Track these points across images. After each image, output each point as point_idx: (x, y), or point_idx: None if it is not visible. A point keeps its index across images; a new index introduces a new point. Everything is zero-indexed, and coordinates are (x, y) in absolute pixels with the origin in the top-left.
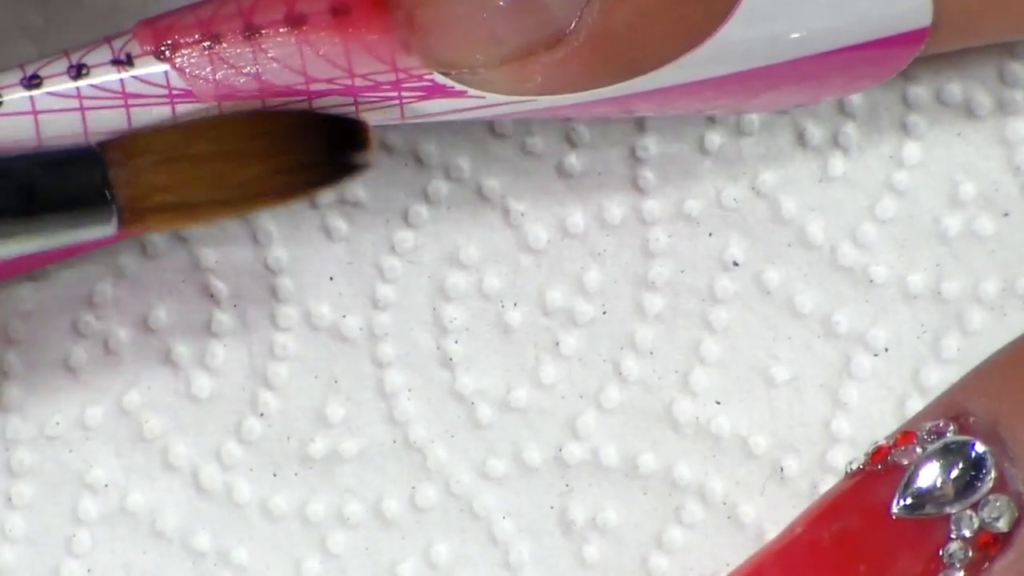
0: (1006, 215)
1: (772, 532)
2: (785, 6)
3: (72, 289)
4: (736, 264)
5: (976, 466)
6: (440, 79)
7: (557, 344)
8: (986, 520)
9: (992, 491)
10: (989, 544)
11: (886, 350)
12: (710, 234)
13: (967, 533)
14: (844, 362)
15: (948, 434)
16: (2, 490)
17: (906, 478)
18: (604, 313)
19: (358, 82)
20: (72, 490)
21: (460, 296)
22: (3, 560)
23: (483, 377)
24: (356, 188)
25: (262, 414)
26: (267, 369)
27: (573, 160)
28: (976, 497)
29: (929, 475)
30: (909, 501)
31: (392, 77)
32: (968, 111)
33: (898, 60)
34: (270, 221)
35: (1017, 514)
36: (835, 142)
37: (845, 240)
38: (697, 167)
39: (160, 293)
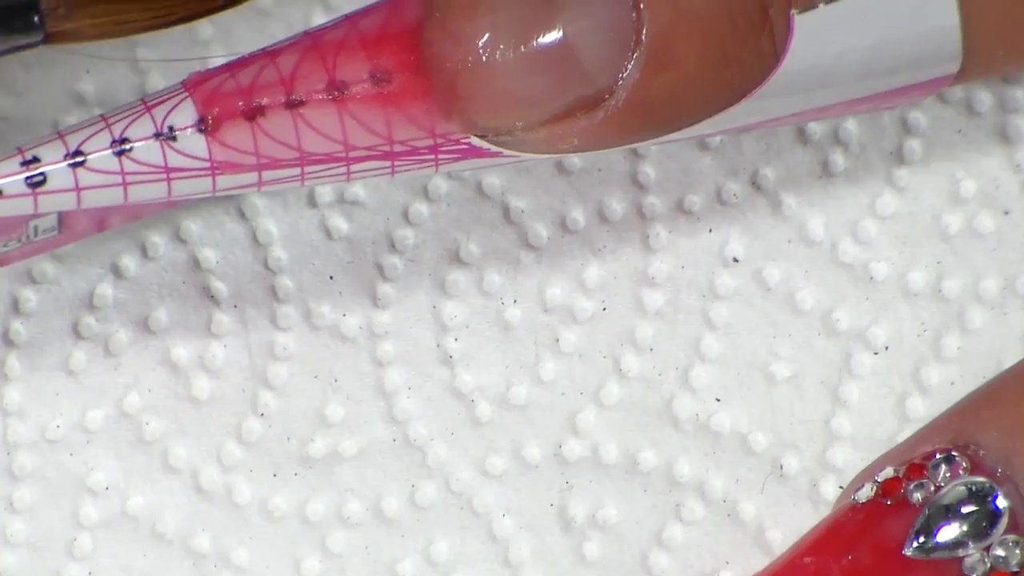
0: (1007, 213)
1: (772, 530)
2: (822, 64)
3: (72, 291)
4: (736, 260)
5: (993, 515)
6: (477, 142)
7: (557, 341)
8: (998, 559)
9: (1004, 531)
10: None
11: (886, 348)
12: (710, 230)
13: (978, 574)
14: (844, 359)
15: (961, 472)
16: (3, 494)
17: (920, 523)
18: (604, 309)
19: (396, 148)
20: (73, 493)
21: (460, 293)
22: (5, 564)
23: (483, 374)
24: (356, 187)
25: (262, 414)
26: (267, 369)
27: (573, 157)
28: (990, 540)
29: (948, 533)
30: (922, 542)
31: (430, 142)
32: (969, 108)
33: (919, 98)
34: (270, 221)
35: None
36: (836, 138)
37: (845, 236)
38: (697, 163)
39: (160, 294)
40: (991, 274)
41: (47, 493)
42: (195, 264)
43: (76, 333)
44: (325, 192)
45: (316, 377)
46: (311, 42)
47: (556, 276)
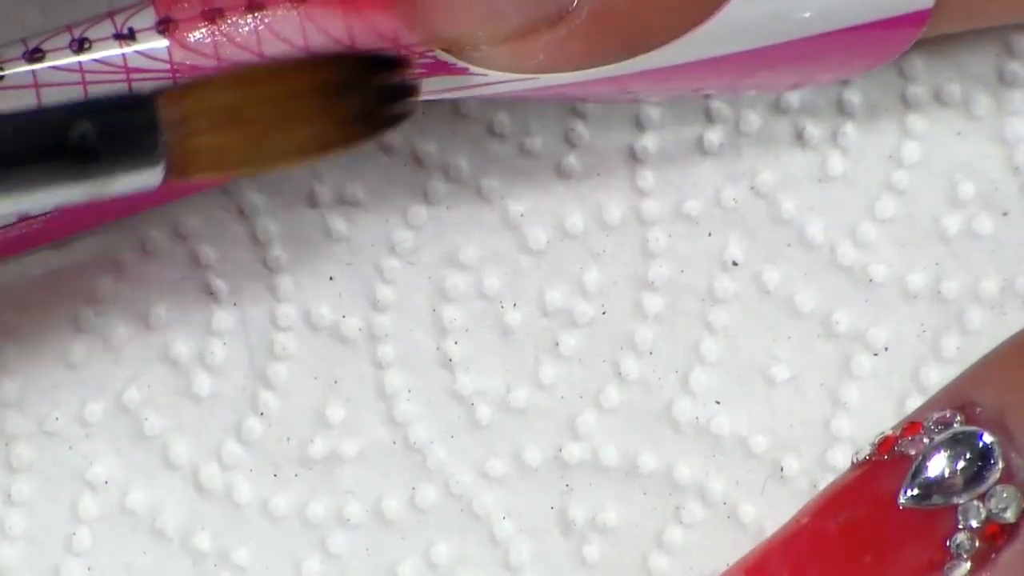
0: (1005, 214)
1: (772, 531)
2: None
3: (72, 285)
4: (736, 264)
5: (983, 456)
6: (442, 56)
7: (557, 344)
8: (993, 511)
9: (999, 482)
10: (996, 535)
11: (886, 349)
12: (709, 234)
13: (974, 523)
14: (844, 361)
15: (955, 424)
16: (2, 486)
17: (914, 468)
18: (604, 313)
19: None
20: (72, 487)
21: (460, 297)
22: (3, 557)
23: (483, 377)
24: (355, 188)
25: (262, 414)
26: (267, 369)
27: (572, 160)
28: (983, 488)
29: (937, 465)
30: (916, 491)
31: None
32: (967, 110)
33: (898, 42)
34: (270, 220)
35: (1023, 505)
36: (834, 142)
37: (845, 240)
38: (696, 167)
39: (160, 290)
40: (990, 275)
41: (46, 486)
42: (195, 261)
43: (76, 326)
44: (325, 192)
45: (316, 378)
46: None
47: (556, 280)
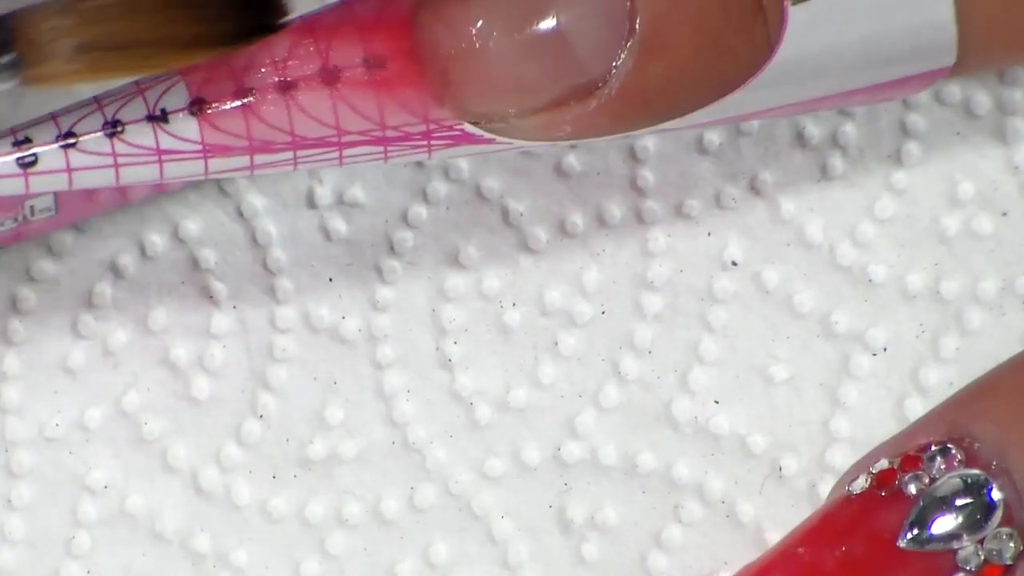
0: (1005, 214)
1: (770, 531)
2: (816, 55)
3: (71, 290)
4: (735, 264)
5: (988, 507)
6: (470, 129)
7: (556, 344)
8: (992, 552)
9: (998, 524)
10: (995, 575)
11: (885, 349)
12: (709, 234)
13: (972, 567)
14: (843, 361)
15: (956, 465)
16: (2, 492)
17: (916, 515)
18: (603, 313)
19: (389, 133)
20: (72, 492)
21: (459, 297)
22: (3, 562)
23: (482, 377)
24: (355, 189)
25: (261, 416)
26: (266, 371)
27: (572, 160)
28: (984, 533)
29: (943, 525)
30: (917, 533)
31: (423, 128)
32: (967, 110)
33: (916, 90)
34: (269, 222)
35: (1021, 547)
36: (834, 142)
37: (844, 240)
38: (696, 167)
39: (159, 294)
40: (989, 275)
41: (46, 491)
42: (194, 264)
43: (75, 332)
44: (324, 193)
45: (315, 379)
46: (305, 26)
47: (555, 279)
